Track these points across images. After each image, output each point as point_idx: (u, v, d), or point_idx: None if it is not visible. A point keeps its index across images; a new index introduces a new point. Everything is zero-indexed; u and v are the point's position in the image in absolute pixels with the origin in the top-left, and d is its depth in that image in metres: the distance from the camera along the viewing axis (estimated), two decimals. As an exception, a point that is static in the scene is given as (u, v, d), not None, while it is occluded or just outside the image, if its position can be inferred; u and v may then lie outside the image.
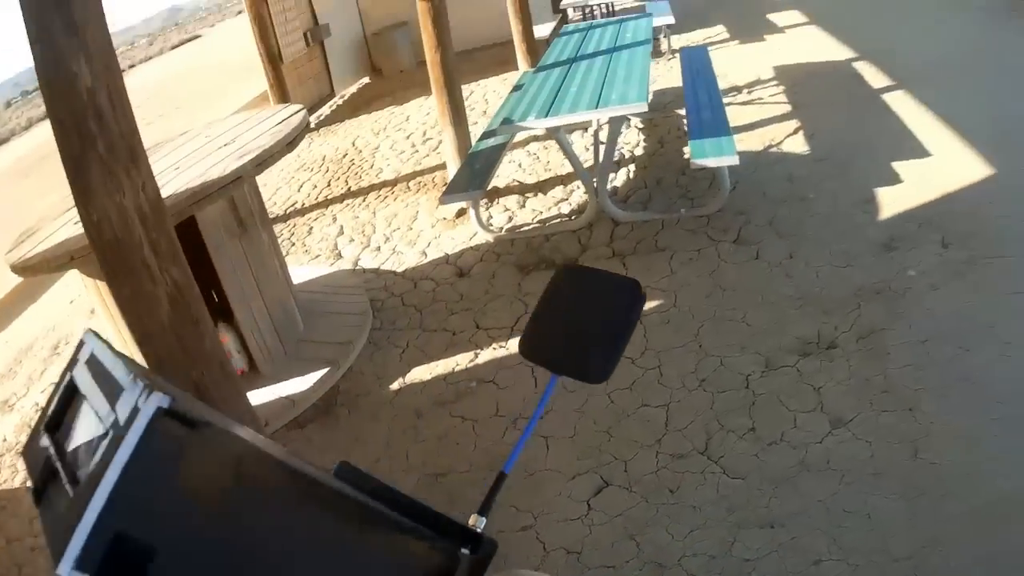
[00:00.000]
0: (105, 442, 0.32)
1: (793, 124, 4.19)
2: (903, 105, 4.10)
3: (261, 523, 0.34)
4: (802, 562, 1.76)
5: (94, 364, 0.38)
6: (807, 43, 5.77)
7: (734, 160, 3.05)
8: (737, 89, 5.05)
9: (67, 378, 0.39)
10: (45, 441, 0.36)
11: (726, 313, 2.70)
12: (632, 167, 4.17)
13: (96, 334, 0.43)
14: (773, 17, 6.76)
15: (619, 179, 4.04)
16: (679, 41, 6.56)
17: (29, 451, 0.36)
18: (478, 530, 0.63)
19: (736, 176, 3.56)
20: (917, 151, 3.53)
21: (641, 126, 4.74)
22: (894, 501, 1.86)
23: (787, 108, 4.48)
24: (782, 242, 3.03)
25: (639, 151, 4.38)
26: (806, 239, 3.01)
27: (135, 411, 0.33)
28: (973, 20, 5.20)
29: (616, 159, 4.11)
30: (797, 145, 3.94)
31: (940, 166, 3.33)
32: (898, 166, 3.41)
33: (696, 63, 4.53)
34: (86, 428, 0.35)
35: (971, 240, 2.73)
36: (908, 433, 2.04)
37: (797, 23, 6.42)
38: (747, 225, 3.22)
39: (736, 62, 5.64)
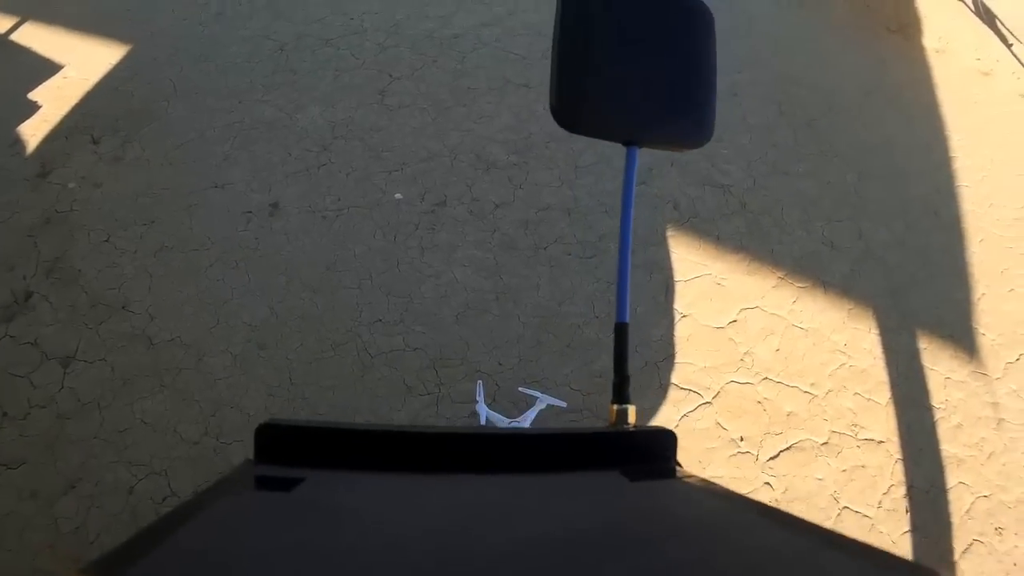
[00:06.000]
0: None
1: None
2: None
3: None
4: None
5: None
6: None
7: None
8: None
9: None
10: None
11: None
12: None
13: None
14: None
15: None
16: None
17: None
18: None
19: None
20: (51, 70, 3.30)
21: None
22: (159, 395, 1.84)
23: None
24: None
25: None
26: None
27: None
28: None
29: None
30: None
31: (77, 74, 3.19)
32: (36, 95, 3.13)
33: None
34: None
35: (119, 123, 2.73)
36: (128, 331, 2.02)
37: None
38: None
39: None
